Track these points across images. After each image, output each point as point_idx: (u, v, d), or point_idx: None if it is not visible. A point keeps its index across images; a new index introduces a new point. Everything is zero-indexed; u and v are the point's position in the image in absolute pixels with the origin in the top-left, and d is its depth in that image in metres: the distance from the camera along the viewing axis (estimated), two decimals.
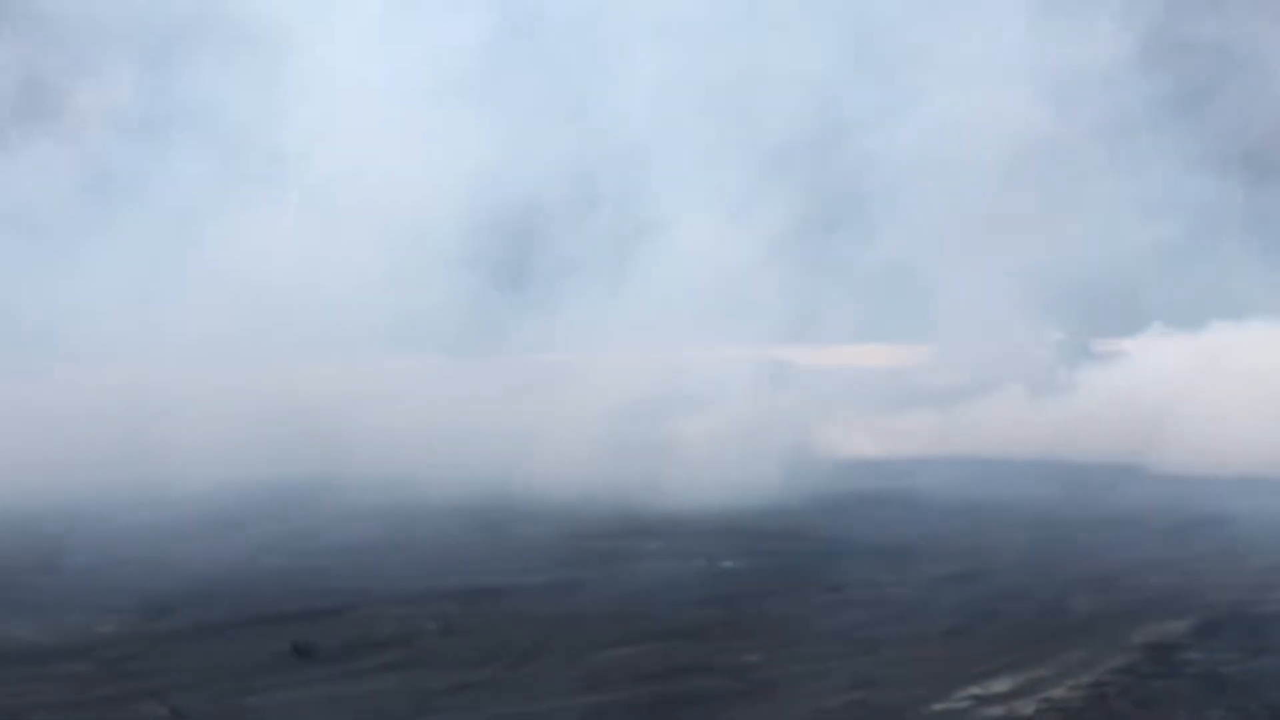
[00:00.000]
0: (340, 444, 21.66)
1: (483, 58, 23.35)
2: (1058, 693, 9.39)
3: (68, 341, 23.01)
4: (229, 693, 9.66)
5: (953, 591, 13.16)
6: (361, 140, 23.21)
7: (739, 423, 21.80)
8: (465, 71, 23.17)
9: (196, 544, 16.89)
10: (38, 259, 23.12)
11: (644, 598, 13.10)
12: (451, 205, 23.16)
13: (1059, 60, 23.89)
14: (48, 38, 24.81)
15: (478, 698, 9.46)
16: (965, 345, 25.91)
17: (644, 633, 11.52)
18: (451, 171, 22.91)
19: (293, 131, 23.57)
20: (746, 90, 23.85)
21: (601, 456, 21.30)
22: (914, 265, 24.24)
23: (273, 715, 9.14)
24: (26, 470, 20.76)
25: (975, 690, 9.43)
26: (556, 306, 23.52)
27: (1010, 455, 22.75)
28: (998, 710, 8.98)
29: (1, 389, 23.25)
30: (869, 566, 14.58)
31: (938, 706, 9.05)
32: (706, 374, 23.34)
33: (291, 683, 9.94)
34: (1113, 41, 24.34)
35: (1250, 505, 17.50)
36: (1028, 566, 14.44)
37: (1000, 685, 9.58)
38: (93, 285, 23.10)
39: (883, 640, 11.06)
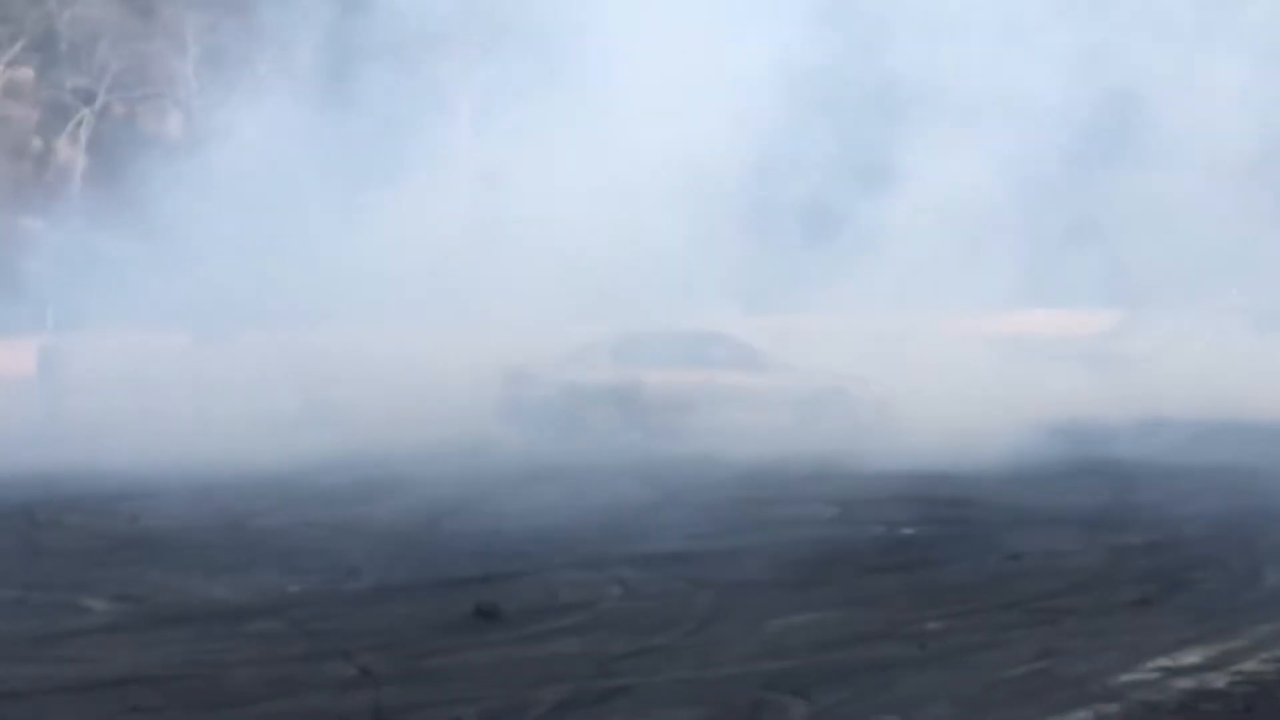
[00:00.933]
0: None
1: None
2: (1250, 666, 9.21)
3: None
4: (414, 653, 9.79)
5: (1140, 560, 12.97)
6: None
7: (950, 388, 21.83)
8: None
9: (379, 507, 17.16)
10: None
11: (823, 563, 13.08)
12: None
13: None
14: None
15: (658, 663, 9.49)
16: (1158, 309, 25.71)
17: (822, 599, 11.49)
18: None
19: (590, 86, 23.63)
20: None
21: (792, 419, 21.40)
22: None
23: (457, 676, 9.23)
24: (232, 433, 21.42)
25: (1164, 662, 9.27)
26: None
27: (1208, 418, 22.47)
28: (1188, 682, 8.82)
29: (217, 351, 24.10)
30: (1051, 534, 14.43)
31: (1125, 678, 8.91)
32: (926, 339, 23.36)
33: (475, 644, 10.04)
34: None
35: None
36: (1219, 535, 14.18)
37: (1191, 658, 9.41)
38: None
39: (1064, 610, 10.93)
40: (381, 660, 9.60)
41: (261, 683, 9.10)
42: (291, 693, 8.87)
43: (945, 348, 23.45)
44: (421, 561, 13.47)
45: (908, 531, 14.92)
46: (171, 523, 16.53)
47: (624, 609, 11.24)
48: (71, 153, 59.61)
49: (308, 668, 9.45)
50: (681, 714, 8.34)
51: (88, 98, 59.06)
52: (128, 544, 14.99)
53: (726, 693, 8.75)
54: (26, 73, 62.35)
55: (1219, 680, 8.87)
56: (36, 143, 62.14)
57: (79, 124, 58.76)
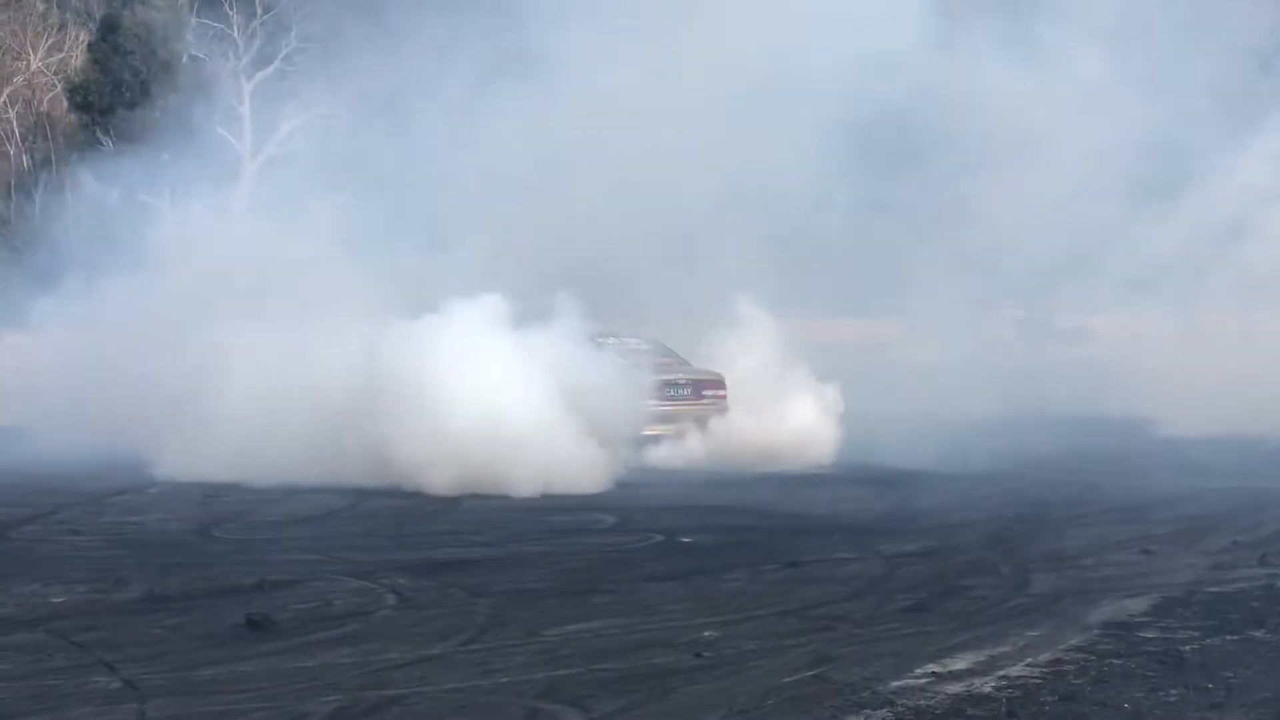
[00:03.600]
0: None
1: None
2: (1016, 671, 9.38)
3: None
4: (183, 665, 9.60)
5: (914, 567, 13.16)
6: None
7: None
8: None
9: (150, 515, 16.85)
10: None
11: (601, 572, 13.07)
12: None
13: None
14: None
15: (433, 673, 9.40)
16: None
17: (600, 608, 11.47)
18: None
19: None
20: None
21: None
22: None
23: (227, 688, 9.06)
24: None
25: (934, 668, 9.41)
26: None
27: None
28: (957, 688, 8.96)
29: None
30: (828, 542, 14.60)
31: (896, 684, 9.02)
32: None
33: (246, 655, 9.86)
34: None
35: None
36: (990, 542, 14.46)
37: (959, 663, 9.56)
38: None
39: (839, 617, 11.05)
40: (148, 672, 9.38)
41: (23, 697, 8.83)
42: (54, 707, 8.62)
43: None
44: (193, 571, 13.21)
45: (686, 539, 14.97)
46: None
47: (399, 618, 11.11)
48: None
49: (71, 681, 9.20)
50: None
51: None
52: None
53: (502, 703, 8.69)
54: None
55: (986, 685, 9.02)
56: None
57: None
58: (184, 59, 47.05)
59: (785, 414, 22.83)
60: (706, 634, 10.46)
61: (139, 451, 22.07)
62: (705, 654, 9.85)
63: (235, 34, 49.61)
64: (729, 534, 15.38)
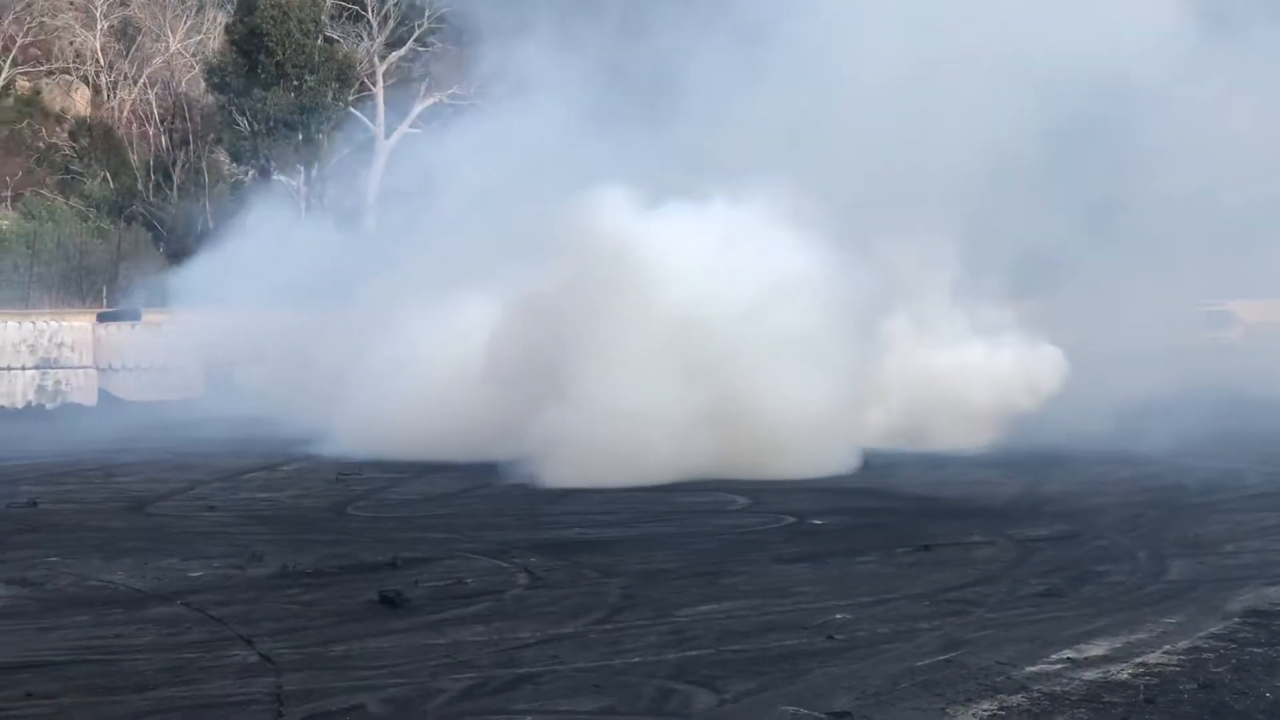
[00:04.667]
0: None
1: None
2: (1154, 658, 9.24)
3: None
4: (317, 640, 9.70)
5: (1048, 551, 13.01)
6: None
7: None
8: None
9: (285, 492, 17.06)
10: None
11: (733, 553, 13.04)
12: None
13: None
14: None
15: (564, 652, 9.41)
16: None
17: (731, 589, 11.45)
18: None
19: None
20: None
21: None
22: None
23: (360, 663, 9.13)
24: None
25: (1069, 654, 9.30)
26: None
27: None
28: (1093, 674, 8.84)
29: None
30: (961, 525, 14.48)
31: (1030, 669, 8.92)
32: None
33: (379, 631, 9.96)
34: None
35: None
36: (1126, 527, 14.28)
37: (1095, 649, 9.44)
38: None
39: (972, 602, 10.94)
40: (284, 647, 9.49)
41: (160, 669, 8.96)
42: (191, 679, 8.74)
43: None
44: (327, 547, 13.34)
45: (816, 521, 14.91)
46: (71, 506, 16.36)
47: (530, 597, 11.15)
48: None
49: (208, 654, 9.33)
50: (586, 703, 8.27)
51: None
52: (25, 527, 14.77)
53: (634, 682, 8.69)
54: None
55: (1123, 672, 8.89)
56: None
57: None
58: (319, 40, 47.46)
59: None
60: (838, 616, 10.41)
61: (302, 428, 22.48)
62: (837, 636, 9.80)
63: (369, 15, 49.99)
64: (860, 516, 15.30)
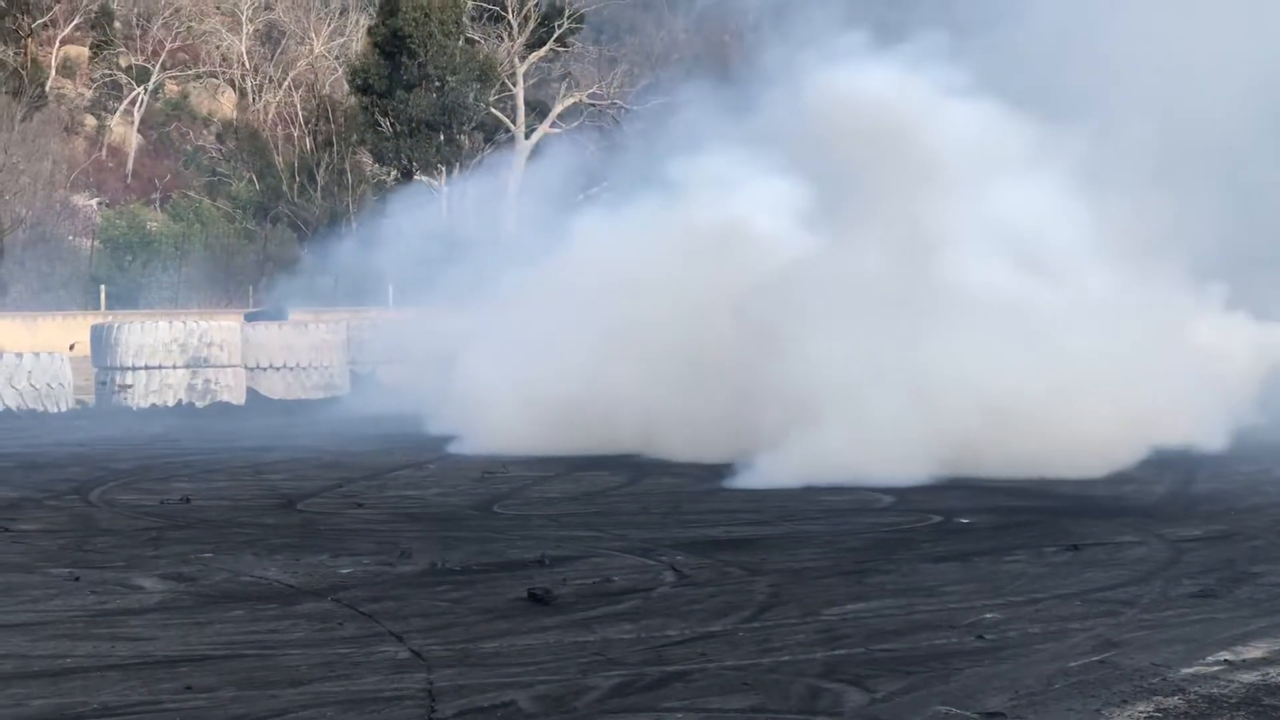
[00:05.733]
0: None
1: None
2: None
3: None
4: (467, 637, 9.76)
5: (1201, 552, 12.82)
6: None
7: None
8: None
9: (430, 490, 17.20)
10: None
11: (880, 551, 12.98)
12: None
13: None
14: None
15: (713, 650, 9.42)
16: None
17: (879, 588, 11.40)
18: None
19: None
20: None
21: None
22: None
23: (510, 660, 9.17)
24: None
25: (1226, 656, 9.15)
26: None
27: None
28: (1251, 676, 8.69)
29: None
30: (1110, 525, 14.30)
31: (1186, 671, 8.79)
32: None
33: (528, 629, 10.00)
34: None
35: None
36: None
37: (1253, 652, 9.28)
38: None
39: (1124, 602, 10.80)
40: (433, 643, 9.56)
41: (314, 664, 9.07)
42: (344, 674, 8.83)
43: None
44: (474, 544, 13.44)
45: (964, 520, 14.79)
46: (223, 502, 16.61)
47: (677, 595, 11.16)
48: (125, 130, 59.91)
49: (360, 650, 9.42)
50: (736, 701, 8.25)
51: (141, 76, 59.25)
52: (179, 523, 15.02)
53: (783, 680, 8.66)
54: (81, 50, 62.77)
55: None
56: (90, 120, 62.54)
57: (133, 102, 58.94)
58: (460, 41, 47.82)
59: None
60: (988, 616, 10.32)
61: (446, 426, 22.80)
62: (987, 636, 9.72)
63: (510, 15, 50.30)
64: (1007, 515, 15.16)
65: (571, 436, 21.16)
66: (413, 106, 46.06)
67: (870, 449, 17.50)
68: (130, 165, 60.50)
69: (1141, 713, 8.04)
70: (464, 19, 48.28)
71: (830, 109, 19.91)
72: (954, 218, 19.19)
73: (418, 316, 31.11)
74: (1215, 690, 8.43)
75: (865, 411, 17.89)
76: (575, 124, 50.54)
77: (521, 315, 23.00)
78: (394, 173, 49.24)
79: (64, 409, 31.71)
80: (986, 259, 19.05)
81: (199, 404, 31.99)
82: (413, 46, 46.07)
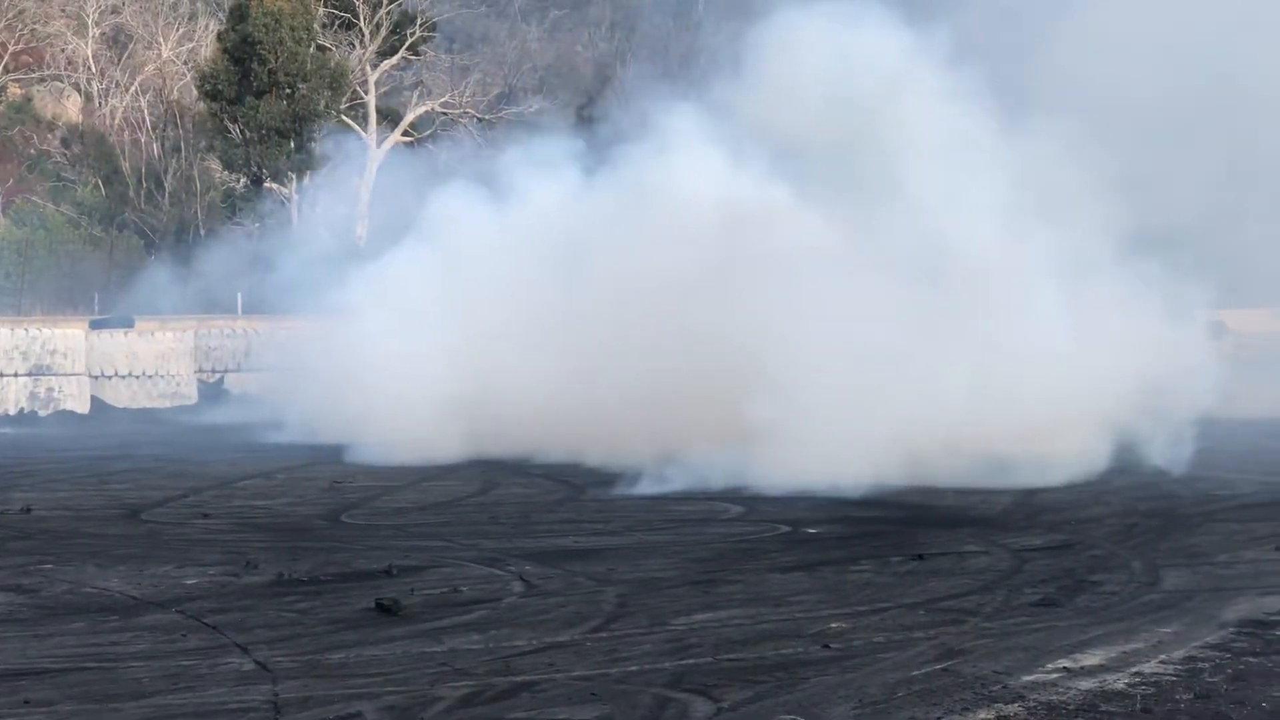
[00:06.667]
0: None
1: None
2: (1150, 668, 9.26)
3: None
4: (314, 648, 9.70)
5: (1043, 561, 13.02)
6: None
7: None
8: None
9: (278, 500, 17.05)
10: None
11: (728, 561, 13.05)
12: None
13: None
14: None
15: (561, 660, 9.42)
16: None
17: (727, 598, 11.46)
18: None
19: None
20: None
21: None
22: None
23: (357, 671, 9.13)
24: None
25: (1065, 663, 9.31)
26: None
27: None
28: (1089, 683, 8.86)
29: None
30: (955, 535, 14.48)
31: (1027, 679, 8.94)
32: None
33: (375, 639, 9.96)
34: None
35: None
36: (1121, 537, 14.30)
37: (1091, 659, 9.45)
38: None
39: (968, 611, 10.95)
40: (280, 654, 9.49)
41: (157, 676, 8.96)
42: (187, 686, 8.73)
43: None
44: (322, 554, 13.34)
45: (811, 530, 14.91)
46: (65, 512, 16.35)
47: (526, 605, 11.16)
48: None
49: (204, 661, 9.32)
50: (584, 712, 8.27)
51: None
52: (20, 534, 14.76)
53: (631, 691, 8.69)
54: None
55: (1119, 682, 8.91)
56: None
57: None
58: (311, 48, 47.47)
59: None
60: (834, 625, 10.42)
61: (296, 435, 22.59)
62: (833, 645, 9.81)
63: (361, 23, 50.02)
64: (854, 525, 15.31)
65: (468, 441, 21.13)
66: (263, 113, 45.62)
67: (809, 457, 17.72)
68: None
69: (982, 719, 8.16)
70: (315, 26, 47.89)
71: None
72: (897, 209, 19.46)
73: (267, 324, 30.77)
74: (1054, 697, 8.58)
75: (805, 418, 18.06)
76: (427, 133, 50.30)
77: (409, 316, 22.76)
78: (243, 180, 48.75)
79: None
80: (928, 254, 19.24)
81: (41, 412, 31.45)
82: (263, 53, 45.66)
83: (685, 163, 21.48)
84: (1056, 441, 18.60)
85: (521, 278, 22.10)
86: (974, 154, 19.92)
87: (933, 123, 19.95)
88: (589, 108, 49.67)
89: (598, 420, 20.48)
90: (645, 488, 17.88)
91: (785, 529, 15.01)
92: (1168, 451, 19.35)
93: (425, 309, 22.59)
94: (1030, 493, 17.67)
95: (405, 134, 50.50)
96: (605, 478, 19.00)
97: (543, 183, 23.38)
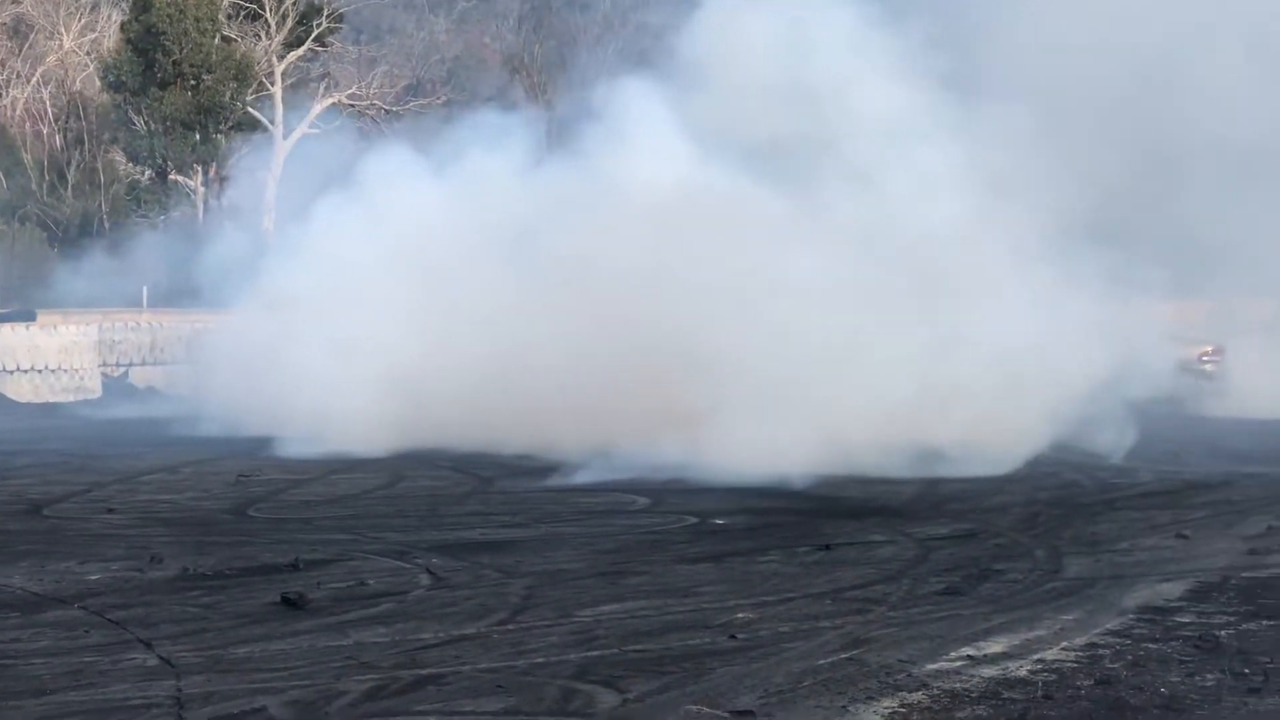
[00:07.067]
0: None
1: None
2: (1051, 654, 9.36)
3: None
4: (218, 643, 9.63)
5: (948, 550, 13.13)
6: None
7: None
8: None
9: (183, 494, 16.94)
10: None
11: (635, 553, 13.07)
12: None
13: None
14: None
15: (467, 652, 9.41)
16: None
17: (634, 589, 11.48)
18: None
19: None
20: None
21: None
22: None
23: (262, 665, 9.08)
24: None
25: (969, 651, 9.40)
26: None
27: None
28: (992, 671, 8.95)
29: None
30: (861, 525, 14.57)
31: (931, 667, 9.01)
32: None
33: (281, 634, 9.91)
34: None
35: None
36: (1025, 526, 14.43)
37: (994, 647, 9.54)
38: None
39: (873, 600, 11.02)
40: (184, 650, 9.42)
41: (59, 673, 8.87)
42: (90, 683, 8.65)
43: None
44: (227, 549, 13.25)
45: (719, 521, 14.96)
46: None
47: (433, 598, 11.13)
48: None
49: (107, 658, 9.24)
50: (490, 704, 8.27)
51: None
52: None
53: (537, 682, 8.69)
54: None
55: (1021, 669, 9.00)
56: None
57: None
58: (216, 39, 47.04)
59: None
60: (741, 616, 10.46)
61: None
62: (740, 635, 9.85)
63: (267, 14, 49.63)
64: (761, 516, 15.37)
65: (397, 432, 21.00)
66: (167, 105, 45.11)
67: (743, 447, 17.85)
68: None
69: (886, 708, 8.22)
70: (220, 16, 47.43)
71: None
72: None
73: (172, 318, 30.49)
74: (958, 685, 8.66)
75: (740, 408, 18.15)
76: (335, 124, 49.99)
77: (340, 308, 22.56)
78: (148, 172, 48.25)
79: None
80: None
81: None
82: (167, 43, 45.13)
83: (629, 149, 21.42)
84: (999, 431, 18.78)
85: (457, 263, 21.93)
86: (925, 140, 20.08)
87: (883, 107, 20.11)
88: (498, 100, 49.50)
89: (531, 410, 20.41)
90: (578, 478, 17.87)
91: (693, 520, 15.04)
92: (1109, 440, 19.64)
93: (355, 297, 22.36)
94: (936, 482, 17.80)
95: (312, 126, 50.13)
96: (519, 469, 19.00)
97: (483, 163, 23.19)
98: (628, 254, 20.03)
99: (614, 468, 18.20)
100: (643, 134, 21.41)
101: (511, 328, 20.86)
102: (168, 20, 45.43)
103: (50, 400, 32.36)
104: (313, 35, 50.53)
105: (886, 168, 19.89)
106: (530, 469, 18.87)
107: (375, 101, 53.38)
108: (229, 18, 48.70)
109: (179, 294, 30.96)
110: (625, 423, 19.13)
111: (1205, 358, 25.97)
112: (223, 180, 48.27)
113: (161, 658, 9.23)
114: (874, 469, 18.13)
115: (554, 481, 17.91)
